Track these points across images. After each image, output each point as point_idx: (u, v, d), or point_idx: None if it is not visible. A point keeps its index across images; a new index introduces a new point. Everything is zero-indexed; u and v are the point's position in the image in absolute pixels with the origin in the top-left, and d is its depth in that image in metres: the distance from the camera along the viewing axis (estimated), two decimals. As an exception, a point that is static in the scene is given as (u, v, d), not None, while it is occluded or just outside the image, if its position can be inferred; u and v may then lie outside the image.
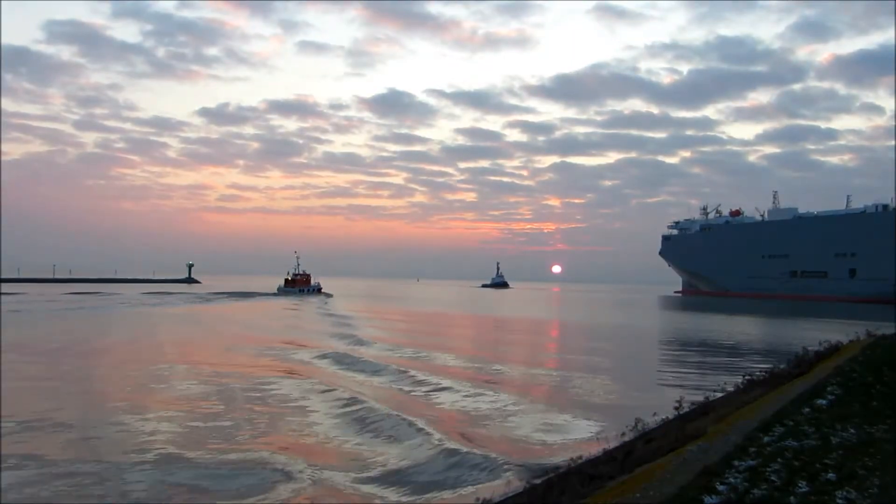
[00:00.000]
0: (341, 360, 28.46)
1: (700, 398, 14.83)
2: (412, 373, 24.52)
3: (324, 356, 29.64)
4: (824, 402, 10.30)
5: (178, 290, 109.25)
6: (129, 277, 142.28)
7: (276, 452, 13.61)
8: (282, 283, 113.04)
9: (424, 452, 13.54)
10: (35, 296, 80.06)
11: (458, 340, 41.83)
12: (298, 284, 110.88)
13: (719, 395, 15.45)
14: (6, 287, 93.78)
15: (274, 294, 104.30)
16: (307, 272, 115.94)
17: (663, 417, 13.36)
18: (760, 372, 16.98)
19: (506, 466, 12.10)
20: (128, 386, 21.50)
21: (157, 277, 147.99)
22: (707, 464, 7.12)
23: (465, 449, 13.47)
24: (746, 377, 16.55)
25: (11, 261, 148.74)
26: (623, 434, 12.69)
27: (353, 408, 18.00)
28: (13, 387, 20.50)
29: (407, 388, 21.83)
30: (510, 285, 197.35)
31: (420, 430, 15.15)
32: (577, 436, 15.35)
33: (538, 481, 9.55)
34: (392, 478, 12.19)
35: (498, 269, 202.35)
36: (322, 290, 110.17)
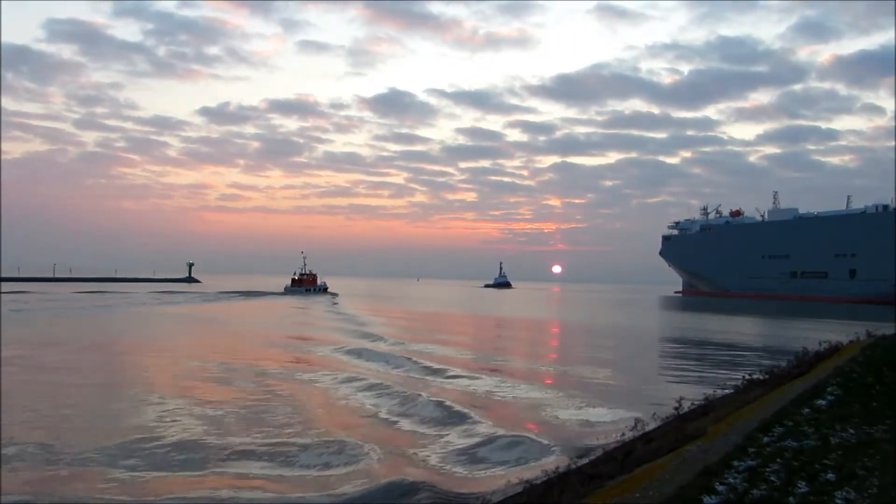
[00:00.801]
0: (363, 354, 29.95)
1: (700, 398, 14.84)
2: (436, 366, 26.00)
3: (349, 351, 31.20)
4: (824, 402, 10.30)
5: (186, 289, 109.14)
6: (129, 277, 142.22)
7: (351, 436, 14.54)
8: (288, 282, 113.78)
9: (480, 434, 14.83)
10: (50, 294, 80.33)
11: (474, 338, 42.86)
12: (305, 284, 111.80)
13: (719, 395, 15.45)
14: (15, 286, 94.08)
15: (281, 293, 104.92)
16: (314, 272, 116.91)
17: (663, 417, 13.37)
18: (760, 372, 16.97)
19: (553, 447, 13.54)
20: (189, 378, 22.63)
21: (157, 277, 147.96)
22: (707, 464, 7.13)
23: (514, 432, 14.81)
24: (746, 377, 16.56)
25: (12, 260, 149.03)
26: (623, 434, 12.71)
27: (398, 398, 19.28)
28: (82, 382, 21.35)
29: (440, 381, 22.94)
30: (513, 285, 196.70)
31: (467, 416, 16.55)
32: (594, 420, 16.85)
33: (538, 481, 9.55)
34: (461, 456, 13.43)
35: (501, 269, 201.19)
36: (328, 290, 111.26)
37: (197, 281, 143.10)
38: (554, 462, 11.76)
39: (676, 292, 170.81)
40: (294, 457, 13.06)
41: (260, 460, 12.78)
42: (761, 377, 16.04)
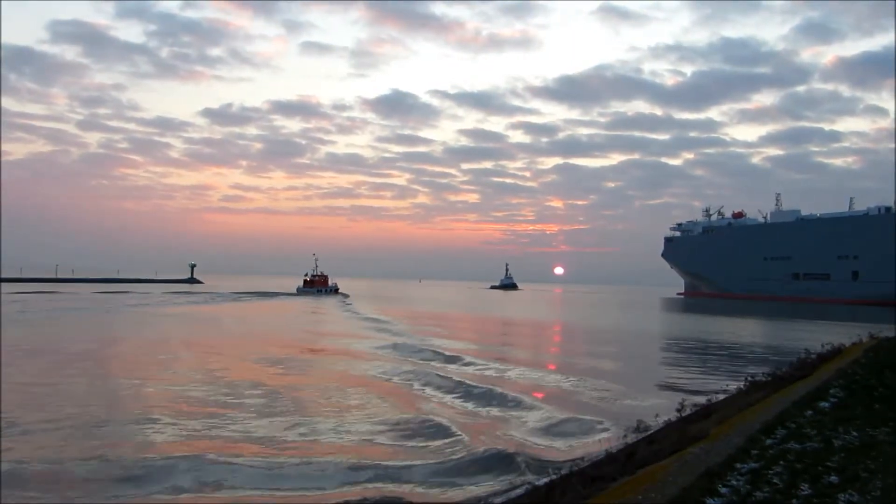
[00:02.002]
0: (404, 349, 31.79)
1: (702, 400, 14.85)
2: (472, 359, 28.17)
3: (389, 346, 33.04)
4: (827, 404, 10.29)
5: (200, 290, 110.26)
6: (131, 277, 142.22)
7: (435, 417, 16.27)
8: (301, 283, 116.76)
9: (548, 417, 16.65)
10: (72, 294, 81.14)
11: (508, 338, 44.26)
12: (317, 285, 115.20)
13: (721, 397, 15.44)
14: (40, 287, 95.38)
15: (293, 294, 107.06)
16: (325, 273, 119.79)
17: (665, 419, 13.36)
18: (763, 374, 16.96)
19: (603, 425, 15.38)
20: (282, 371, 24.18)
21: (159, 278, 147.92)
22: (709, 466, 7.12)
23: (574, 415, 16.85)
24: (749, 379, 16.54)
25: (14, 261, 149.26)
26: (625, 436, 12.71)
27: (465, 388, 20.99)
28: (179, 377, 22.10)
29: (489, 374, 24.74)
30: (519, 287, 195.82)
31: (530, 403, 18.53)
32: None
33: (540, 483, 9.54)
34: (544, 433, 15.17)
35: (507, 270, 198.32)
36: (339, 291, 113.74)
37: (199, 282, 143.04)
38: (609, 435, 13.64)
39: (678, 294, 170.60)
40: (407, 433, 14.86)
41: (384, 435, 14.67)
42: (764, 379, 16.02)
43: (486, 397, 19.32)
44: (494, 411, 17.66)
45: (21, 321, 42.09)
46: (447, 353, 29.99)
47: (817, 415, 9.51)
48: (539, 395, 20.11)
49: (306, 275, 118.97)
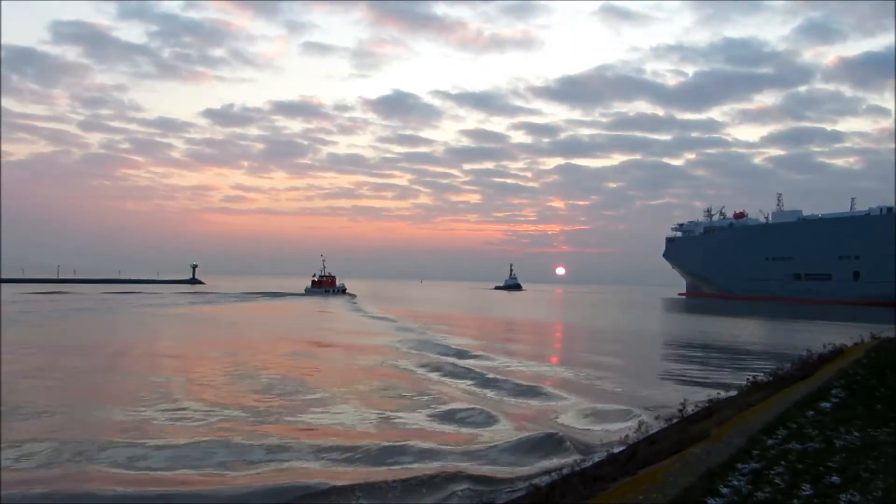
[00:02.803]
0: (427, 347, 33.10)
1: (703, 400, 14.82)
2: (496, 356, 29.80)
3: (414, 343, 34.50)
4: (828, 404, 10.29)
5: (209, 290, 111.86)
6: (133, 278, 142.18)
7: (479, 406, 17.70)
8: (308, 283, 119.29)
9: (580, 405, 18.24)
10: (83, 295, 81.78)
11: (506, 334, 45.89)
12: (325, 285, 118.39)
13: (723, 397, 15.42)
14: (48, 287, 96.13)
15: (302, 294, 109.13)
16: (332, 274, 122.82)
17: (666, 419, 13.36)
18: (764, 374, 16.94)
19: (633, 413, 16.60)
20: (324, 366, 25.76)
21: (160, 278, 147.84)
22: (710, 466, 7.12)
23: (605, 404, 18.31)
24: (750, 380, 16.52)
25: (15, 261, 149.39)
26: (626, 436, 12.70)
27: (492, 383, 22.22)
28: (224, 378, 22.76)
29: (513, 368, 26.17)
30: (523, 287, 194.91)
31: (559, 394, 20.06)
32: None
33: (541, 483, 9.54)
34: (580, 419, 16.71)
35: (511, 270, 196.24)
36: (346, 291, 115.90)
37: (200, 282, 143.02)
38: (640, 421, 14.15)
39: (680, 294, 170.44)
40: (456, 418, 16.31)
41: (440, 422, 16.08)
42: (765, 379, 16.01)
43: (524, 392, 20.52)
44: (532, 402, 19.01)
45: (48, 321, 43.44)
46: (471, 350, 31.65)
47: (818, 415, 9.51)
48: (565, 388, 21.40)
49: (314, 275, 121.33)
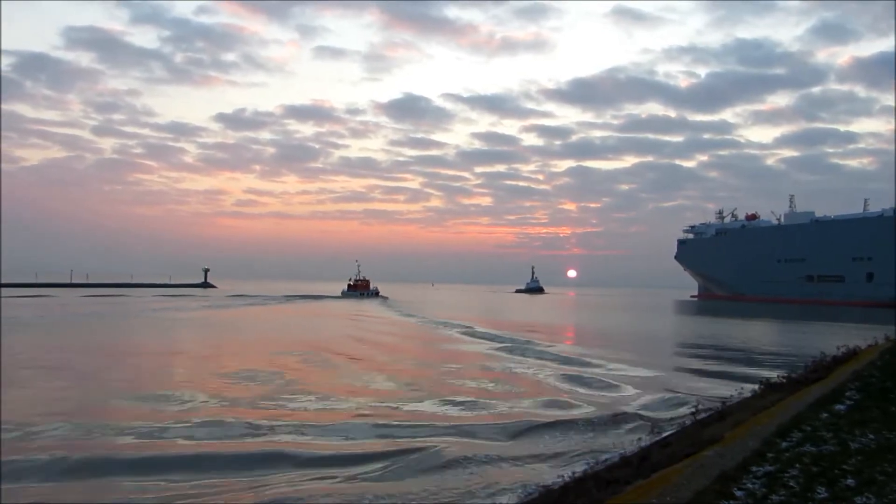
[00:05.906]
0: (514, 349, 34.75)
1: (717, 403, 14.77)
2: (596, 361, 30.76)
3: (503, 348, 35.65)
4: (843, 407, 10.24)
5: (251, 292, 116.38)
6: (145, 283, 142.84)
7: (561, 397, 20.62)
8: (345, 287, 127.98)
9: (639, 397, 20.87)
10: (104, 299, 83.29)
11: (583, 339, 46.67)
12: (360, 288, 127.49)
13: (736, 399, 15.36)
14: (84, 290, 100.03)
15: (338, 297, 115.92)
16: (367, 278, 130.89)
17: (680, 422, 13.32)
18: (778, 377, 16.86)
19: (690, 402, 17.32)
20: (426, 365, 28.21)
21: (173, 282, 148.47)
22: (724, 469, 7.11)
23: (673, 394, 20.91)
24: (763, 382, 16.45)
25: (29, 265, 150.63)
26: (640, 439, 12.68)
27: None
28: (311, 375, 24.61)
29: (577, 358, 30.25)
30: (545, 290, 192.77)
31: (625, 387, 22.77)
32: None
33: (554, 486, 9.55)
34: (648, 406, 19.28)
35: (533, 273, 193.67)
36: (380, 294, 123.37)
37: (213, 286, 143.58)
38: (690, 407, 15.34)
39: (692, 296, 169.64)
40: (555, 406, 19.08)
41: (542, 407, 18.88)
42: (779, 382, 15.94)
43: (595, 383, 23.35)
44: (604, 393, 21.69)
45: (82, 324, 44.67)
46: (550, 350, 34.29)
47: (833, 417, 9.47)
48: (629, 383, 23.60)
49: (350, 279, 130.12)
